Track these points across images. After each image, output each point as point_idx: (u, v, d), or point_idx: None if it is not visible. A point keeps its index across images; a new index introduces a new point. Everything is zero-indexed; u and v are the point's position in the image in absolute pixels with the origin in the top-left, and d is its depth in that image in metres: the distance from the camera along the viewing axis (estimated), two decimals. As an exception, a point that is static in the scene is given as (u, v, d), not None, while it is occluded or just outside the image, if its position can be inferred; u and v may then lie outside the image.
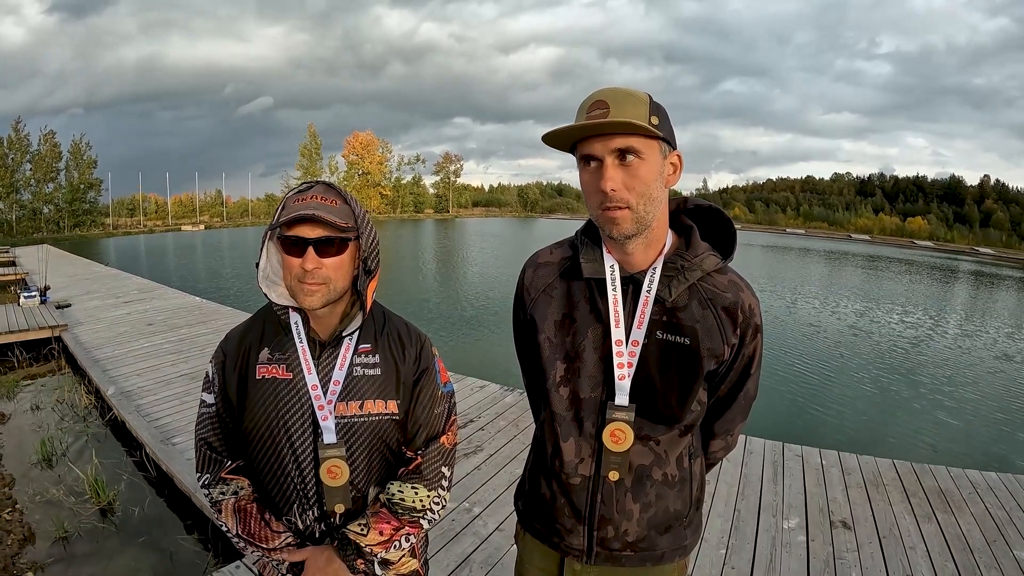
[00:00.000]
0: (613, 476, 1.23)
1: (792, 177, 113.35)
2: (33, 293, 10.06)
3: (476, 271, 23.71)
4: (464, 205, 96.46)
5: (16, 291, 11.14)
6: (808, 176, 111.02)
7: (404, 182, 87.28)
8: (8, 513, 4.04)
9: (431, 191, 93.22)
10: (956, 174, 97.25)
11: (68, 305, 10.39)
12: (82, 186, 52.74)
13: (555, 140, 1.15)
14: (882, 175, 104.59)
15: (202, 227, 57.55)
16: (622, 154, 1.09)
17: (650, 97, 1.12)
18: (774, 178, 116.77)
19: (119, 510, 4.24)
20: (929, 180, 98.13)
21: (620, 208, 1.11)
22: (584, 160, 1.14)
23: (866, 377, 9.83)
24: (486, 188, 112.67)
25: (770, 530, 3.39)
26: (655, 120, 1.09)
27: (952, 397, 8.98)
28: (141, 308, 10.48)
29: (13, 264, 19.27)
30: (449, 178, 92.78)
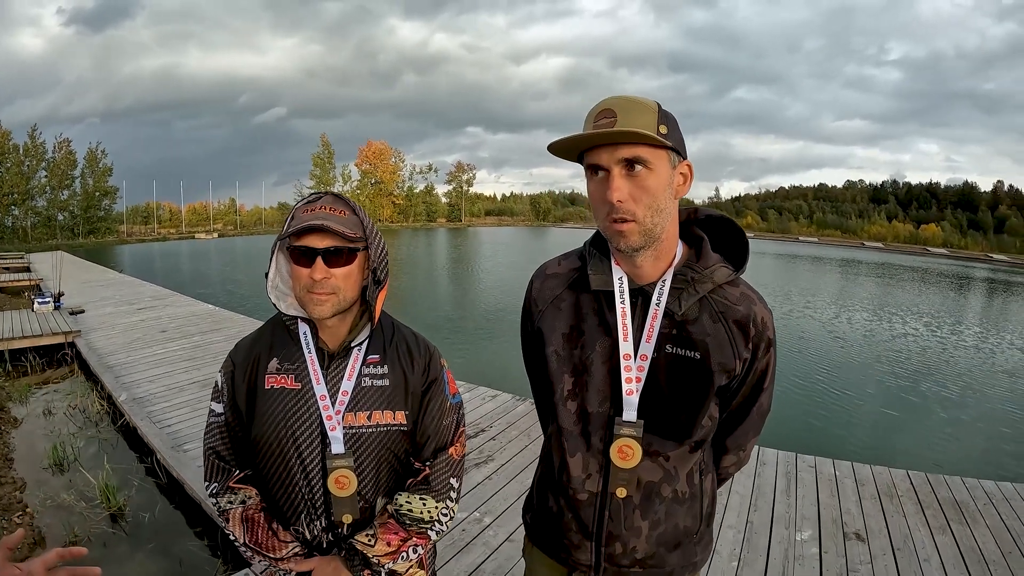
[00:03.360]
0: (621, 493, 1.20)
1: (805, 185, 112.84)
2: (47, 299, 10.16)
3: (488, 280, 23.67)
4: (476, 214, 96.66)
5: (30, 297, 11.24)
6: (821, 184, 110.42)
7: (417, 191, 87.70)
8: (19, 517, 4.06)
9: (443, 200, 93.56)
10: (969, 180, 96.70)
11: (81, 311, 10.48)
12: (97, 193, 53.50)
13: (561, 150, 1.13)
14: (895, 182, 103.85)
15: (216, 235, 58.03)
16: (629, 164, 1.07)
17: (659, 105, 1.09)
18: (786, 186, 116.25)
19: (129, 516, 4.26)
20: (942, 187, 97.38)
21: (626, 220, 1.09)
22: (591, 170, 1.12)
23: (880, 387, 9.73)
24: (498, 197, 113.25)
25: (783, 542, 3.34)
26: (663, 129, 1.06)
27: (967, 407, 8.87)
28: (154, 315, 10.56)
29: (27, 270, 19.54)
30: (461, 187, 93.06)
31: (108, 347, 8.10)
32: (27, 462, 5.07)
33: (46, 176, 50.75)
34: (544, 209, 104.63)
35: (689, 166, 1.15)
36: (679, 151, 1.11)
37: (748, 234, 1.24)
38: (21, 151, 49.26)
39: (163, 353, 7.76)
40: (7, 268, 21.27)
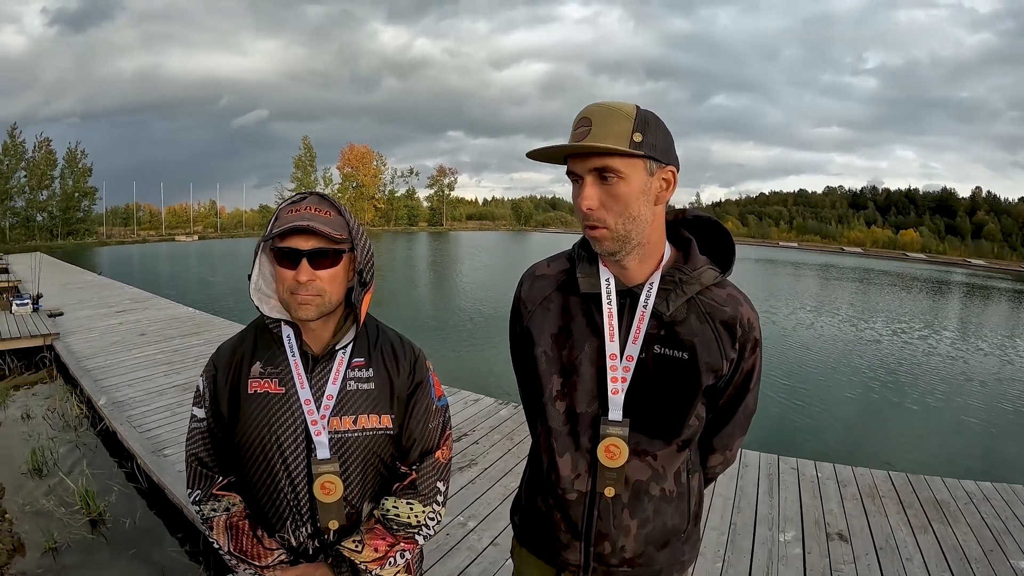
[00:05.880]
0: (609, 492, 1.21)
1: (784, 190, 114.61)
2: (25, 301, 9.97)
3: (471, 284, 23.61)
4: (458, 218, 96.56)
5: (8, 299, 11.01)
6: (801, 189, 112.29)
7: (398, 195, 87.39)
8: (-4, 523, 3.98)
9: (425, 204, 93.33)
10: (947, 186, 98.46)
11: (60, 314, 10.30)
12: (76, 194, 52.69)
13: (542, 158, 1.16)
14: (874, 188, 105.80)
15: (196, 237, 57.30)
16: (601, 173, 1.09)
17: (638, 110, 1.10)
18: (766, 191, 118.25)
19: (109, 521, 4.18)
20: (921, 192, 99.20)
21: (597, 227, 1.12)
22: (570, 176, 1.15)
23: (861, 389, 9.86)
24: (480, 201, 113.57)
25: (766, 543, 3.37)
26: (638, 137, 1.07)
27: (946, 408, 9.01)
28: (133, 318, 10.40)
29: (5, 271, 19.17)
30: (443, 191, 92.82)
31: (87, 350, 7.97)
32: (5, 467, 4.97)
33: (25, 176, 49.95)
34: (526, 214, 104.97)
35: (672, 172, 1.15)
36: (657, 158, 1.11)
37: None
38: (0, 150, 48.48)
39: (142, 357, 7.64)
40: (-16, 269, 20.90)
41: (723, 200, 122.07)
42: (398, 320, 14.33)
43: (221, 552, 1.29)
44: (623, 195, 1.09)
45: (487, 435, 4.98)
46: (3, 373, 7.72)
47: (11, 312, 9.72)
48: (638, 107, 1.10)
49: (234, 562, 1.28)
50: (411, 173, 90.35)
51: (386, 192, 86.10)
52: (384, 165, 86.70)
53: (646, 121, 1.09)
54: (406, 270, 29.72)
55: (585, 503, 1.24)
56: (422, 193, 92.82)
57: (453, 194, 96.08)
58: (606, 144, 1.06)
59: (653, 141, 1.10)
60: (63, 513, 4.16)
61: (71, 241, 47.86)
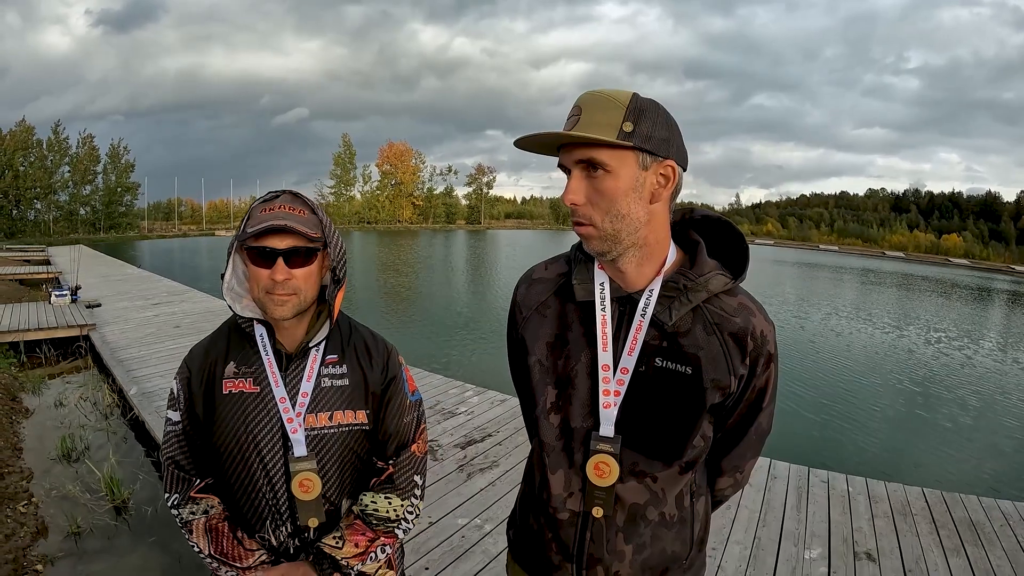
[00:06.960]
0: (597, 512, 1.12)
1: (825, 192, 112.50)
2: (64, 292, 10.27)
3: (503, 283, 23.59)
4: (496, 217, 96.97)
5: (48, 289, 11.36)
6: (842, 192, 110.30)
7: (436, 193, 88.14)
8: (24, 506, 4.08)
9: (463, 202, 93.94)
10: (991, 190, 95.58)
11: (98, 305, 10.57)
12: (119, 189, 54.28)
13: (531, 147, 1.08)
14: (916, 191, 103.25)
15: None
16: (588, 166, 1.02)
17: (633, 98, 0.99)
18: (807, 193, 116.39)
19: (133, 509, 4.26)
20: (964, 196, 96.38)
21: (584, 224, 1.04)
22: (560, 167, 1.07)
23: (897, 402, 9.52)
24: (518, 200, 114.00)
25: (790, 560, 3.24)
26: (628, 127, 0.97)
27: (984, 423, 8.65)
28: (169, 311, 10.62)
29: (47, 263, 19.84)
30: (481, 189, 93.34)
31: (121, 341, 8.15)
32: (36, 452, 5.11)
33: (69, 171, 51.65)
34: (564, 213, 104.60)
35: (672, 166, 1.03)
36: (651, 150, 1.00)
37: (768, 242, 1.17)
38: (44, 146, 50.18)
39: (175, 348, 7.76)
40: (27, 260, 21.68)
41: (763, 202, 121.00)
42: (429, 318, 14.50)
43: (201, 556, 1.28)
44: (609, 190, 1.00)
45: (511, 436, 4.90)
46: (40, 361, 7.95)
47: (50, 302, 10.02)
48: (635, 95, 1.01)
49: (215, 565, 1.27)
50: (450, 171, 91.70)
51: (424, 190, 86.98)
52: (423, 163, 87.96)
53: (641, 110, 0.99)
54: (441, 268, 29.85)
55: (577, 524, 1.15)
56: (460, 191, 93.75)
57: (492, 192, 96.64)
58: (590, 134, 0.97)
59: (648, 132, 0.99)
60: (88, 499, 4.25)
61: (113, 235, 49.39)
